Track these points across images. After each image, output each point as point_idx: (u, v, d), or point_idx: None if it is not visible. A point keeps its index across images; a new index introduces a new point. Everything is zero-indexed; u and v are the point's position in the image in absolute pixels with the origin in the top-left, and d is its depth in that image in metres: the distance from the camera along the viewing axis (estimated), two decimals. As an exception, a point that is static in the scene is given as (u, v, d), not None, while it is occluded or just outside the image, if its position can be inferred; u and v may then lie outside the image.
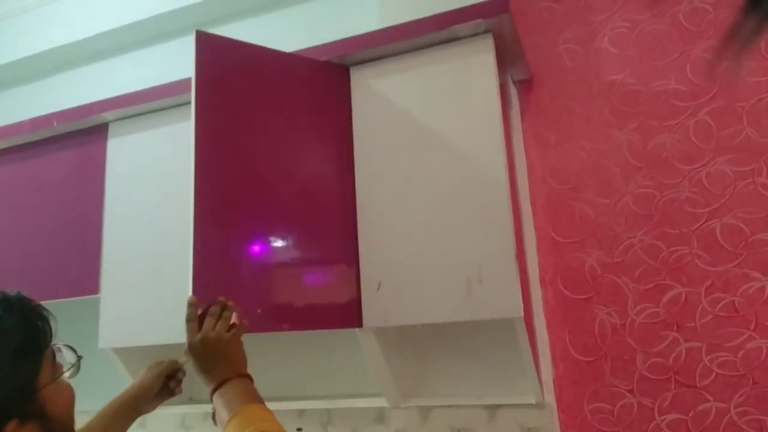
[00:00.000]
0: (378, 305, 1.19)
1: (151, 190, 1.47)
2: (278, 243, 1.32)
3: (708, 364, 1.22)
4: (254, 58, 1.23)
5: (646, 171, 1.34)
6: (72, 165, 1.61)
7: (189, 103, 1.11)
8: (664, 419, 1.23)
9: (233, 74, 1.18)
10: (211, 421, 1.61)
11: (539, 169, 1.43)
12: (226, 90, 1.16)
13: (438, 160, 1.20)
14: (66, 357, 0.79)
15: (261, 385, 1.57)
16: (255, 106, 1.21)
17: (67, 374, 0.77)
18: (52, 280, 1.53)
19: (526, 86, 1.48)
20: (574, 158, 1.40)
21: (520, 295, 1.07)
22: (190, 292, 1.28)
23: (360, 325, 1.20)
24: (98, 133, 1.58)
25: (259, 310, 1.28)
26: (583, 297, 1.34)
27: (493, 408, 1.26)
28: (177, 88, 1.44)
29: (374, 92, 1.29)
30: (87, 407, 1.75)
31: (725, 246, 1.25)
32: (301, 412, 1.53)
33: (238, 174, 1.15)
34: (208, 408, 1.59)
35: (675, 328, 1.25)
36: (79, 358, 0.80)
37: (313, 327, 1.26)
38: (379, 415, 1.45)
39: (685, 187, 1.30)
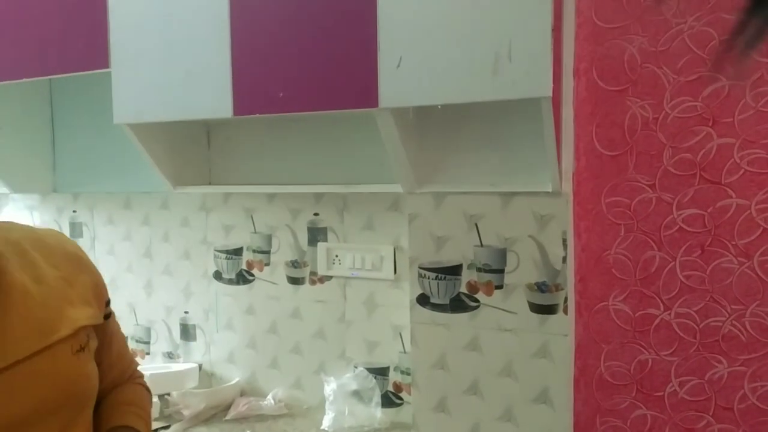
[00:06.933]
0: (397, 84, 1.13)
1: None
2: (297, 24, 1.23)
3: (738, 161, 1.17)
4: None
5: (713, -56, 1.16)
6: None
7: None
8: (681, 214, 1.22)
9: None
10: (230, 203, 1.67)
11: (589, -60, 1.26)
12: None
13: None
14: None
15: (279, 171, 1.59)
16: None
17: None
18: (61, 54, 1.47)
19: None
20: (631, -73, 1.22)
21: (551, 74, 1.00)
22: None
23: (376, 105, 1.15)
24: None
25: (281, 94, 1.23)
26: (617, 89, 1.25)
27: (508, 195, 1.25)
28: None
29: None
30: (109, 188, 1.82)
31: (787, 34, 1.12)
32: (318, 198, 1.56)
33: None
34: (228, 189, 1.63)
35: (711, 123, 1.19)
36: None
37: (330, 107, 1.21)
38: (394, 202, 1.47)
39: (756, -35, 1.14)
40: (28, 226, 0.83)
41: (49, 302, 0.74)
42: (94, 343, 0.81)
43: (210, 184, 1.68)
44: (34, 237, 0.80)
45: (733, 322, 1.20)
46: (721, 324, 1.21)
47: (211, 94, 1.29)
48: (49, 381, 0.71)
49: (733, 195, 1.18)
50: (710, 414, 1.23)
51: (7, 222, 0.80)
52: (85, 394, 0.77)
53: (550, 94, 1.00)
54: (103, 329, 0.84)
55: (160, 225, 1.78)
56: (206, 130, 1.67)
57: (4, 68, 1.53)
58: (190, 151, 1.61)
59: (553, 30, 1.01)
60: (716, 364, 1.22)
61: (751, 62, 1.13)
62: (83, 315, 0.78)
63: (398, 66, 1.11)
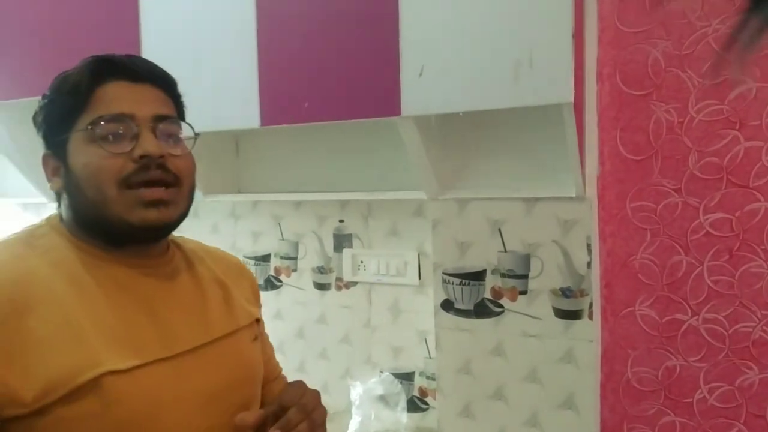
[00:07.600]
0: (419, 92, 1.15)
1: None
2: (321, 37, 1.26)
3: (766, 164, 1.15)
4: None
5: (737, -54, 1.16)
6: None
7: None
8: (708, 218, 1.21)
9: None
10: (259, 211, 1.70)
11: (610, -54, 1.26)
12: None
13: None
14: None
15: (305, 179, 1.62)
16: None
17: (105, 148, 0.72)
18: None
19: None
20: (653, -69, 1.22)
21: (572, 80, 1.00)
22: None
23: (399, 113, 1.17)
24: None
25: (306, 104, 1.26)
26: (641, 93, 1.24)
27: (532, 201, 1.26)
28: None
29: None
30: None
31: (815, 35, 1.10)
32: (344, 204, 1.58)
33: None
34: (256, 198, 1.67)
35: (737, 126, 1.17)
36: (197, 135, 0.81)
37: (354, 116, 1.24)
38: (418, 209, 1.48)
39: (782, -35, 1.12)
40: (196, 240, 0.94)
41: (228, 298, 0.86)
42: (260, 338, 0.90)
43: (239, 192, 1.72)
44: (203, 248, 0.92)
45: (764, 327, 1.18)
46: (751, 330, 1.19)
47: (239, 105, 1.33)
48: (234, 360, 0.81)
49: (762, 198, 1.16)
50: (741, 421, 1.21)
51: (179, 236, 0.89)
52: (260, 378, 0.87)
53: (572, 99, 1.01)
54: (258, 328, 0.93)
55: (191, 232, 1.81)
56: (235, 139, 1.71)
57: (38, 85, 1.59)
58: (219, 161, 1.65)
59: (573, 36, 1.01)
60: (747, 370, 1.20)
61: (751, 61, 1.12)
62: (254, 310, 0.90)
63: (420, 74, 1.13)
